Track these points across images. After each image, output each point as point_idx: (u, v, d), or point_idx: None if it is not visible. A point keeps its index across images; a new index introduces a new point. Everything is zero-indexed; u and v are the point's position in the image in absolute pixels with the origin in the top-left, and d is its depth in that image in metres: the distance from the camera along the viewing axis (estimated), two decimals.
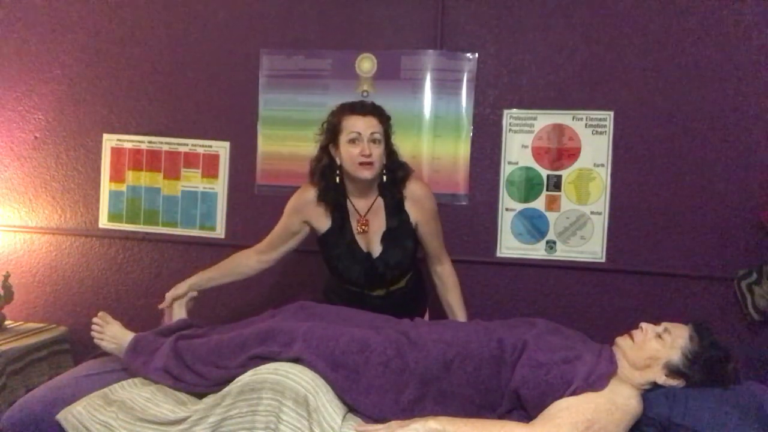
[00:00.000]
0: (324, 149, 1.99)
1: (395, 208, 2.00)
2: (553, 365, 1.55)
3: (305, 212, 2.03)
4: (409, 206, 2.01)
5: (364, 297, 2.02)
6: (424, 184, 2.08)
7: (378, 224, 2.00)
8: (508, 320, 1.84)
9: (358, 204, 2.00)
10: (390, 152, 1.99)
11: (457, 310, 2.09)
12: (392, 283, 2.05)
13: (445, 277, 2.12)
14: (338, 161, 1.95)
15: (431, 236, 2.07)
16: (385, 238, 1.99)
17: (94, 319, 1.90)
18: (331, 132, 1.94)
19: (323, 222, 2.02)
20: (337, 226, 2.00)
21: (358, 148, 1.88)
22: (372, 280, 2.01)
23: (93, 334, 1.89)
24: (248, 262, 2.14)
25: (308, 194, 2.01)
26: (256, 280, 2.67)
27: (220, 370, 1.66)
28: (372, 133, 1.89)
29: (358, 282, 2.01)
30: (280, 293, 2.65)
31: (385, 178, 1.97)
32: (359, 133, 1.88)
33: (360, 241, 2.00)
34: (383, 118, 1.95)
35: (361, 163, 1.89)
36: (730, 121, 2.40)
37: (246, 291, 2.71)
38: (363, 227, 1.99)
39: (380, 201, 2.00)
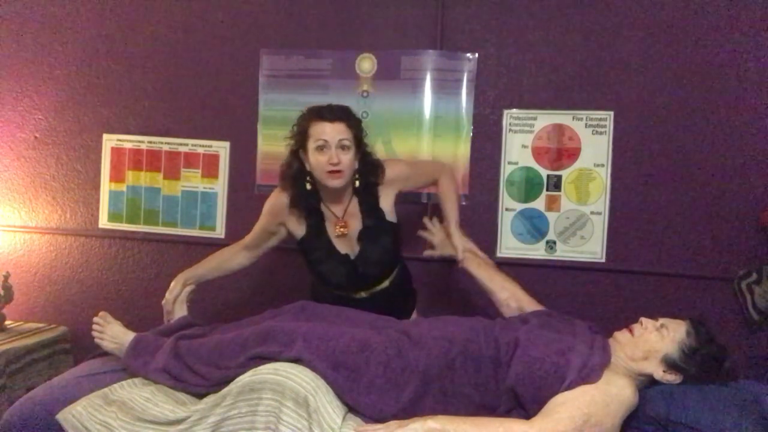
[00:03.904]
0: (294, 154, 1.94)
1: (371, 207, 1.98)
2: (546, 359, 1.56)
3: (281, 216, 2.01)
4: (384, 194, 1.99)
5: (347, 300, 1.99)
6: (389, 165, 2.02)
7: (355, 224, 1.98)
8: (505, 319, 1.85)
9: (333, 207, 1.98)
10: (363, 155, 1.94)
11: (447, 213, 2.05)
12: (375, 283, 2.03)
13: (439, 188, 2.10)
14: (308, 167, 1.91)
15: (418, 183, 2.11)
16: (362, 237, 1.98)
17: (95, 319, 1.90)
18: (300, 137, 1.90)
19: (298, 228, 2.00)
20: (314, 232, 1.98)
21: (325, 156, 1.84)
22: (354, 281, 2.00)
23: (93, 333, 1.89)
24: (237, 258, 2.13)
25: (282, 199, 1.98)
26: (255, 278, 2.68)
27: (220, 371, 1.66)
28: (340, 140, 1.84)
29: (341, 284, 2.00)
30: (278, 292, 2.64)
31: (357, 183, 1.93)
32: (326, 141, 1.83)
33: (338, 243, 1.98)
34: (352, 122, 1.89)
35: (329, 172, 1.85)
36: (730, 121, 2.40)
37: (245, 290, 2.72)
38: (342, 230, 1.97)
39: (355, 201, 1.98)
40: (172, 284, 2.05)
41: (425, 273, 2.55)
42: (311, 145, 1.86)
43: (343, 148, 1.85)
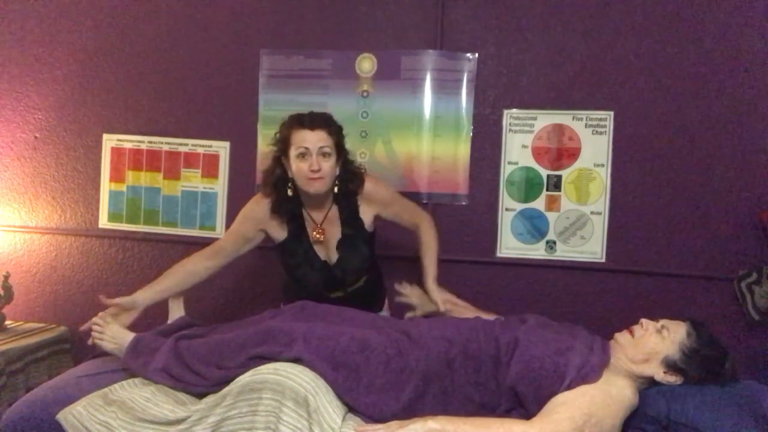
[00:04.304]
0: (276, 160, 1.98)
1: (350, 216, 2.02)
2: (546, 358, 1.57)
3: (262, 222, 2.02)
4: (363, 207, 2.03)
5: (323, 298, 2.02)
6: (372, 180, 2.05)
7: (334, 232, 2.02)
8: (503, 318, 1.85)
9: (313, 213, 2.01)
10: (344, 162, 1.98)
11: (426, 267, 2.07)
12: (351, 285, 2.08)
13: (421, 237, 2.11)
14: (290, 174, 1.94)
15: (398, 215, 2.10)
16: (341, 246, 2.02)
17: (94, 320, 1.90)
18: (283, 144, 1.93)
19: (279, 232, 2.03)
20: (294, 236, 2.01)
21: (306, 163, 1.87)
22: (331, 285, 2.04)
23: (93, 334, 1.89)
24: (196, 269, 2.04)
25: (263, 205, 2.01)
26: (254, 278, 2.68)
27: (220, 370, 1.66)
28: (321, 147, 1.88)
29: (317, 288, 2.03)
30: (278, 292, 2.64)
31: (337, 189, 1.96)
32: (307, 148, 1.87)
33: (317, 249, 2.03)
34: (333, 129, 1.93)
35: (310, 178, 1.88)
36: (730, 121, 2.40)
37: (245, 290, 2.72)
38: (319, 235, 2.01)
39: (335, 209, 2.02)
40: (125, 298, 1.93)
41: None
42: (293, 152, 1.89)
43: (323, 155, 1.89)
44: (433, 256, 2.09)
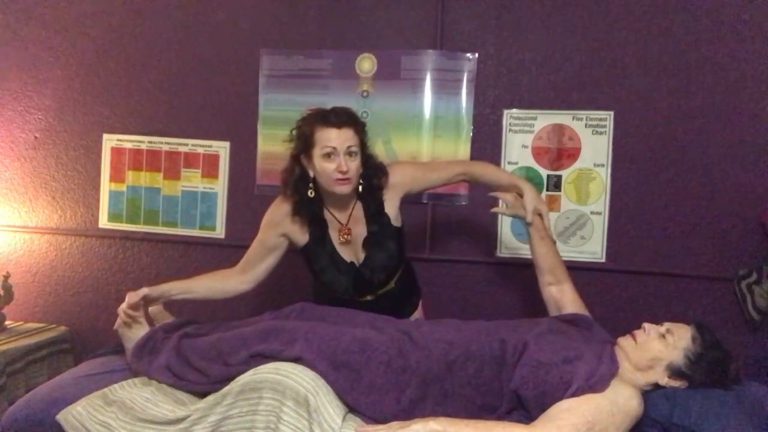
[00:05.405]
0: (295, 159, 1.87)
1: (375, 213, 1.93)
2: (553, 365, 1.55)
3: (283, 226, 1.94)
4: (388, 200, 1.94)
5: (352, 303, 1.96)
6: (392, 168, 1.97)
7: (360, 231, 1.93)
8: (513, 321, 1.83)
9: (337, 213, 1.93)
10: (367, 158, 1.89)
11: (506, 178, 2.02)
12: (381, 287, 2.00)
13: (477, 174, 2.05)
14: (311, 173, 1.85)
15: (432, 180, 2.04)
16: (367, 243, 1.93)
17: (127, 311, 1.79)
18: (303, 143, 1.82)
19: (301, 236, 1.94)
20: (317, 239, 1.92)
21: (334, 164, 1.77)
22: (360, 288, 1.96)
23: (123, 320, 1.80)
24: (229, 280, 2.00)
25: (284, 208, 1.93)
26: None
27: (221, 367, 1.66)
28: (349, 147, 1.78)
29: (347, 292, 1.96)
30: (280, 292, 2.64)
31: (361, 188, 1.88)
32: (335, 148, 1.77)
33: (342, 250, 1.94)
34: (359, 127, 1.84)
35: (337, 179, 1.79)
36: (730, 121, 2.40)
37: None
38: (346, 237, 1.92)
39: (359, 206, 1.93)
40: (152, 288, 1.86)
41: (427, 273, 2.55)
42: (317, 152, 1.79)
43: (350, 154, 1.80)
44: (499, 171, 2.04)
